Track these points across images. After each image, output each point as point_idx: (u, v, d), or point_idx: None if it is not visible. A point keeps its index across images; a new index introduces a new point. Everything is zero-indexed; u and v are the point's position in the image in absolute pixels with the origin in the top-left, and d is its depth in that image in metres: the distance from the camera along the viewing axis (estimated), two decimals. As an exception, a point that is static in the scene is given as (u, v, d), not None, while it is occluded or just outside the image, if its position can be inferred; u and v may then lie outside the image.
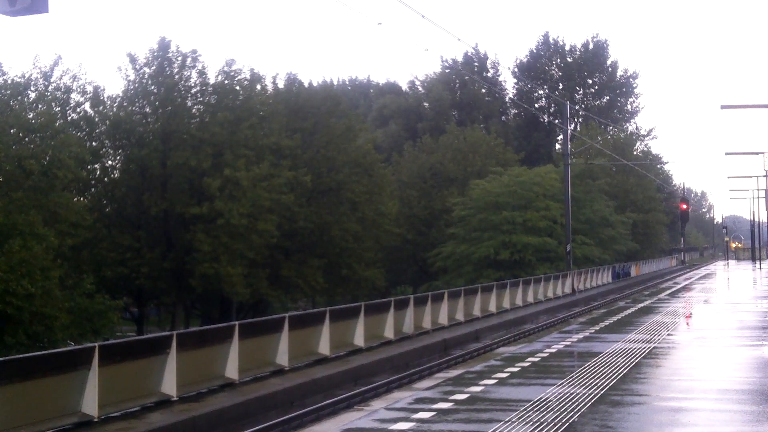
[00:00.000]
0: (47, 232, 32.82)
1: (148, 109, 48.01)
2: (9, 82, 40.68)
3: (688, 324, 24.93)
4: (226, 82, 49.41)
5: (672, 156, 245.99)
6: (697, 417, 11.31)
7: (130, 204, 47.05)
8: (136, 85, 48.26)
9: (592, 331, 22.68)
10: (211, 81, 49.40)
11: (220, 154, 46.14)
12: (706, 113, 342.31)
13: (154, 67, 48.00)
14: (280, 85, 58.66)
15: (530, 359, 16.88)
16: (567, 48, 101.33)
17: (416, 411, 11.65)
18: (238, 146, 46.39)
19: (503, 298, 35.91)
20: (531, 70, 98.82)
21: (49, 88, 43.25)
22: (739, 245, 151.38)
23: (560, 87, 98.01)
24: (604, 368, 15.41)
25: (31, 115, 39.97)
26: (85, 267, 40.99)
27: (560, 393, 12.82)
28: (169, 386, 15.07)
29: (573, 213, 54.31)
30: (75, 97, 45.39)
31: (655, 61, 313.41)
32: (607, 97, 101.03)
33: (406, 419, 11.11)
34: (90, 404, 13.37)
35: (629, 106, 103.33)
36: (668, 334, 21.44)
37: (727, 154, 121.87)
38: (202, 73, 49.12)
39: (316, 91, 61.92)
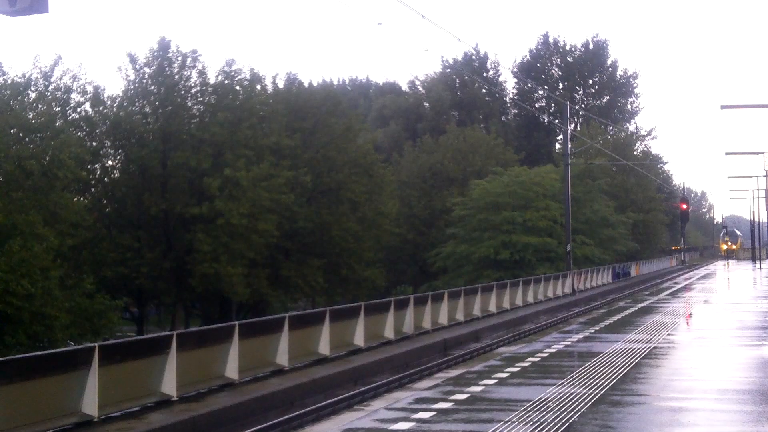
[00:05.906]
0: (47, 232, 32.75)
1: (148, 109, 47.97)
2: (9, 82, 40.62)
3: (688, 324, 24.93)
4: (226, 82, 49.38)
5: (672, 156, 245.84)
6: (697, 417, 11.31)
7: (130, 204, 47.00)
8: (136, 85, 48.23)
9: (592, 331, 22.68)
10: (211, 81, 49.37)
11: (220, 154, 46.13)
12: (706, 113, 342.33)
13: (154, 67, 47.97)
14: (280, 85, 58.70)
15: (530, 359, 16.88)
16: (567, 48, 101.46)
17: (416, 411, 11.65)
18: (238, 146, 46.37)
19: (503, 298, 35.89)
20: (531, 70, 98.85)
21: (49, 88, 43.20)
22: (734, 246, 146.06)
23: (560, 87, 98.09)
24: (604, 368, 15.41)
25: (31, 115, 39.90)
26: (85, 267, 40.94)
27: (560, 393, 12.81)
28: (169, 386, 15.07)
29: (573, 213, 54.29)
30: (75, 97, 45.35)
31: (655, 61, 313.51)
32: (607, 97, 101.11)
33: (406, 419, 11.11)
34: (90, 404, 13.36)
35: (629, 106, 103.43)
36: (668, 334, 21.44)
37: (727, 154, 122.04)
38: (202, 73, 49.08)
39: (316, 91, 61.91)
